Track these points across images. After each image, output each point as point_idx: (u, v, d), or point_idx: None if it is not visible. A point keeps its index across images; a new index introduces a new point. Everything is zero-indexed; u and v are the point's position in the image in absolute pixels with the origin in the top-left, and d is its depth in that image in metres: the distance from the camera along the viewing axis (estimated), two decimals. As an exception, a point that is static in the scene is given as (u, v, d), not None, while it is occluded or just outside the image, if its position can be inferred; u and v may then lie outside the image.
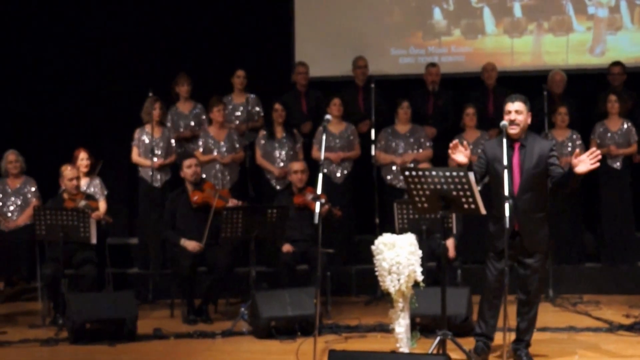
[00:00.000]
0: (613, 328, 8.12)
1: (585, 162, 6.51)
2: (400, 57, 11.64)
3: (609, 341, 7.72)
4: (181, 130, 10.47)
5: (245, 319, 8.41)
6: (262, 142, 10.21)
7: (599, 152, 6.57)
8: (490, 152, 6.83)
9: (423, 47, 11.59)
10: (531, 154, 6.75)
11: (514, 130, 6.75)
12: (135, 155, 10.15)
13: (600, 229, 10.20)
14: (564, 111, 10.03)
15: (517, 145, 6.77)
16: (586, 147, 10.06)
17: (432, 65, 10.88)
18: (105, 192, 9.78)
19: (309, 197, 9.03)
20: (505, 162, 6.47)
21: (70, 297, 8.17)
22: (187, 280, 8.77)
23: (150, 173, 9.94)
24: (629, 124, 10.07)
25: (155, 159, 9.89)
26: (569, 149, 10.00)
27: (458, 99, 10.74)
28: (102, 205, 9.53)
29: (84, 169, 9.57)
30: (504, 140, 6.56)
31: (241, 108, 10.65)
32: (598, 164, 6.56)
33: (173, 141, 10.21)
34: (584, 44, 11.34)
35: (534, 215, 6.71)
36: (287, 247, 8.95)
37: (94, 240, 8.66)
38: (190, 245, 8.74)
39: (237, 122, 10.62)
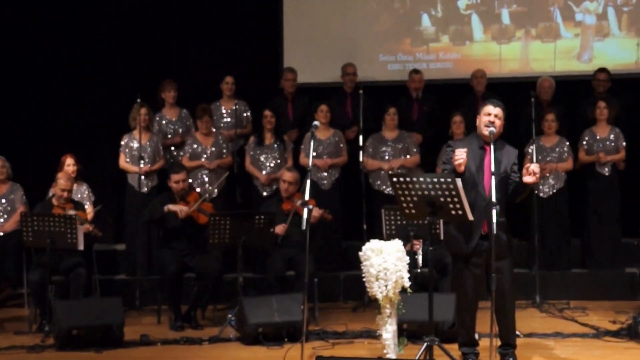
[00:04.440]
0: (599, 334, 8.15)
1: (531, 175, 6.60)
2: (388, 63, 11.66)
3: (596, 347, 7.76)
4: (169, 136, 10.47)
5: (233, 325, 8.43)
6: (251, 148, 10.22)
7: (535, 167, 6.59)
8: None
9: (411, 54, 11.62)
10: (501, 158, 6.80)
11: (488, 132, 6.75)
12: (123, 162, 10.15)
13: (588, 235, 10.23)
14: (551, 118, 10.07)
15: (488, 148, 6.79)
16: (575, 153, 10.14)
17: (415, 72, 10.90)
18: (93, 199, 9.78)
19: (298, 202, 9.04)
20: (493, 168, 6.51)
21: (57, 304, 8.16)
22: (174, 286, 8.77)
23: (138, 179, 9.94)
24: (617, 130, 10.11)
25: (142, 165, 9.89)
26: (556, 155, 10.05)
27: (447, 105, 10.77)
28: (90, 211, 9.53)
29: (71, 175, 9.55)
30: (492, 147, 6.62)
31: (230, 114, 10.66)
32: (536, 179, 6.60)
33: (160, 147, 10.21)
34: (572, 50, 11.38)
35: (500, 219, 6.69)
36: (280, 229, 8.95)
37: (81, 247, 8.66)
38: (176, 207, 8.74)
39: (226, 128, 10.62)
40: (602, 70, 10.66)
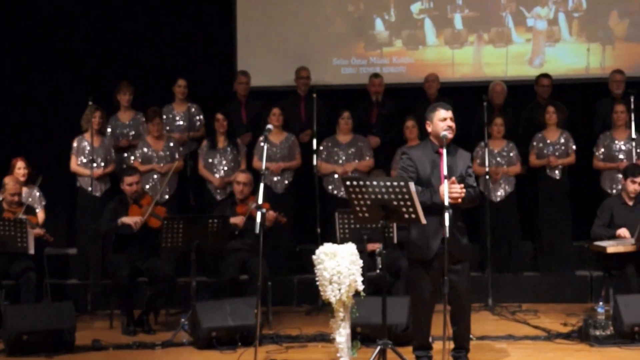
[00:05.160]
0: (551, 336, 8.23)
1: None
2: (342, 67, 11.67)
3: (547, 349, 7.83)
4: (120, 139, 10.40)
5: (186, 330, 8.38)
6: (204, 151, 10.18)
7: (454, 185, 6.58)
8: (417, 160, 6.84)
9: (365, 58, 11.65)
10: (455, 162, 6.82)
11: (451, 135, 6.79)
12: (74, 165, 10.06)
13: (539, 238, 10.32)
14: (499, 122, 10.14)
15: (442, 152, 6.76)
16: (523, 158, 10.21)
17: (376, 75, 10.94)
18: (44, 203, 9.69)
19: (253, 206, 9.02)
20: (445, 172, 6.50)
21: (7, 308, 8.08)
22: (126, 290, 8.71)
23: (90, 182, 9.86)
24: (567, 134, 10.22)
25: (94, 168, 9.80)
26: (505, 159, 10.12)
27: (401, 109, 10.81)
28: (41, 215, 9.44)
29: (22, 178, 9.45)
30: (444, 151, 6.60)
31: (182, 117, 10.61)
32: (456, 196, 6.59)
33: (112, 150, 10.14)
34: (524, 55, 11.48)
35: (457, 224, 6.74)
36: (238, 219, 8.94)
37: (31, 251, 8.58)
38: (130, 220, 8.68)
39: (178, 131, 10.58)
40: (545, 75, 10.78)
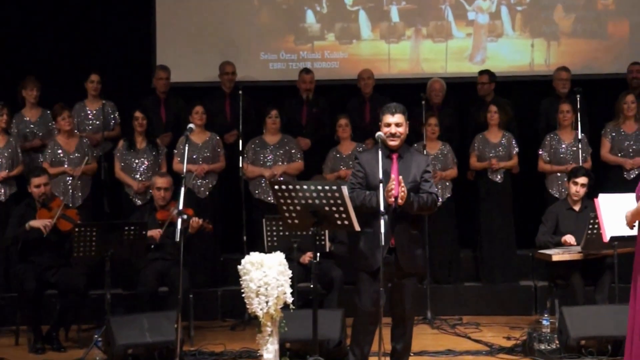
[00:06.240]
0: (493, 351, 8.35)
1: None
2: (270, 62, 11.70)
3: (490, 365, 7.95)
4: (29, 138, 10.29)
5: (99, 347, 8.28)
6: (121, 153, 10.11)
7: (392, 189, 6.63)
8: (366, 165, 6.86)
9: (295, 52, 11.69)
10: (409, 167, 6.82)
11: (394, 142, 6.80)
12: (-23, 167, 9.94)
13: (480, 246, 10.43)
14: (434, 122, 10.19)
15: (395, 157, 6.83)
16: (460, 160, 10.31)
17: (306, 71, 10.97)
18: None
19: (174, 212, 8.97)
20: (380, 175, 6.49)
21: None
22: (34, 304, 8.62)
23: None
24: (509, 135, 10.34)
25: (-1, 171, 9.72)
26: (441, 162, 10.21)
27: (333, 107, 10.86)
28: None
29: None
30: (380, 152, 6.59)
31: (96, 115, 10.54)
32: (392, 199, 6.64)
33: (19, 151, 10.02)
34: (464, 51, 11.62)
35: (410, 232, 6.80)
36: (154, 232, 8.91)
37: None
38: (39, 223, 8.60)
39: (92, 131, 10.50)
40: (485, 72, 10.91)
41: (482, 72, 10.94)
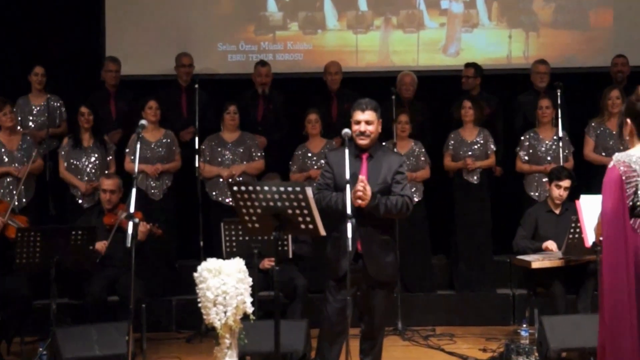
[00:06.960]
0: (469, 364, 8.35)
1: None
2: (229, 53, 11.67)
3: (465, 379, 7.94)
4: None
5: (44, 361, 8.24)
6: (67, 151, 10.02)
7: (359, 191, 6.61)
8: (335, 165, 6.86)
9: (255, 43, 11.66)
10: (379, 167, 6.82)
11: (363, 142, 6.82)
12: None
13: (455, 252, 10.42)
14: (404, 119, 10.16)
15: (364, 156, 6.84)
16: (433, 160, 10.29)
17: (262, 63, 10.92)
18: None
19: (123, 215, 8.91)
20: (347, 176, 6.48)
21: None
22: (-28, 315, 8.53)
23: None
24: (486, 132, 10.32)
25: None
26: (412, 162, 10.16)
27: (297, 103, 10.81)
28: None
29: None
30: (346, 151, 6.57)
31: (40, 111, 10.43)
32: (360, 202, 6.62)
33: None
34: (437, 42, 11.63)
35: (379, 237, 6.77)
36: (100, 245, 8.80)
37: None
38: None
39: (36, 127, 10.42)
40: (470, 65, 10.88)
41: (468, 65, 10.91)
